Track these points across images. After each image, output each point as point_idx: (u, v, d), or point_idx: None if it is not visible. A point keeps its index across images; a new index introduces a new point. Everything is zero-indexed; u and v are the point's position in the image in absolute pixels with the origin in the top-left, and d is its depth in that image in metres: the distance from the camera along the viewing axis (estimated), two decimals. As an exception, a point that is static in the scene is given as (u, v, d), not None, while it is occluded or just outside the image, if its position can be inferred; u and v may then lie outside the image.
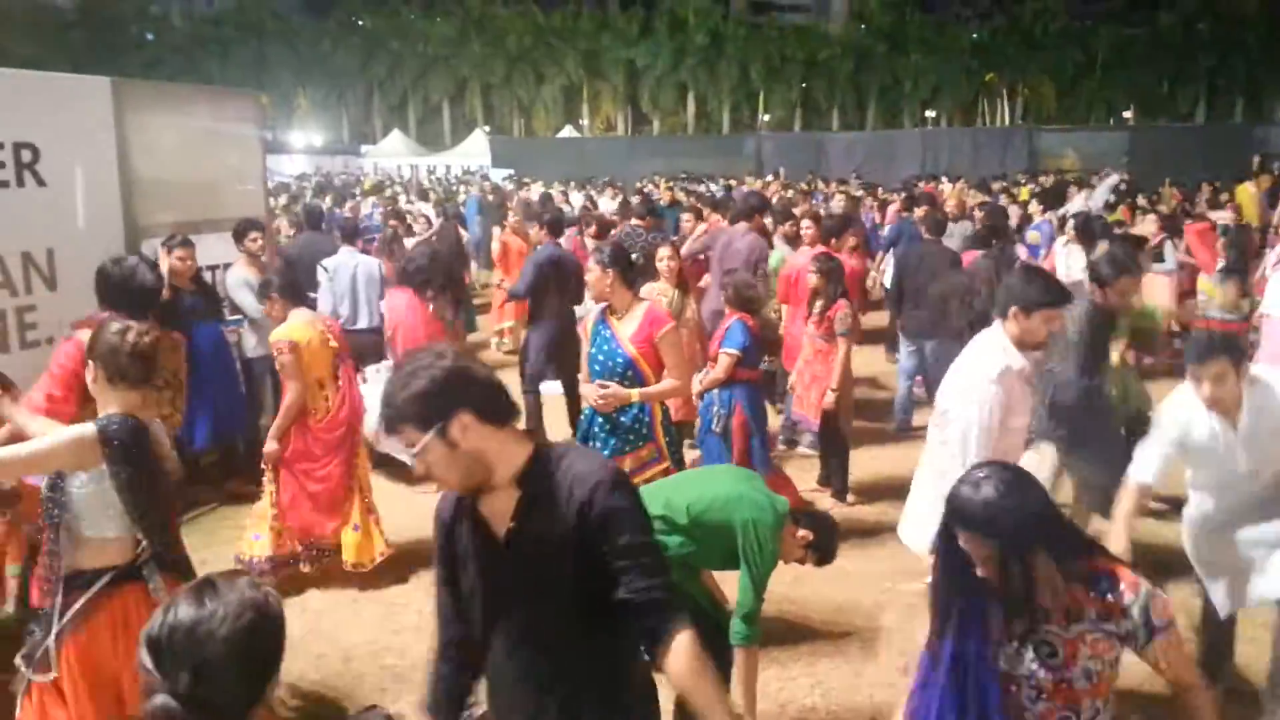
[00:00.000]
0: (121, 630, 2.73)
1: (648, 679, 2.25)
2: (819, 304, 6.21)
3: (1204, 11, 55.08)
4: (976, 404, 3.56)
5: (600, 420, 4.48)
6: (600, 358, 4.46)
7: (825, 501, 6.24)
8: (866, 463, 7.06)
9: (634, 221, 9.46)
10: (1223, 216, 11.79)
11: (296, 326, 5.10)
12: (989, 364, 3.61)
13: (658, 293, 6.13)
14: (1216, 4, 54.26)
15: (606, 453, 4.42)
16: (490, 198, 17.29)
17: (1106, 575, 2.19)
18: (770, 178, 20.12)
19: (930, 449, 3.97)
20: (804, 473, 6.61)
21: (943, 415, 3.78)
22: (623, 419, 4.45)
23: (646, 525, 2.08)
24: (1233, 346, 3.44)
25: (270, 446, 5.14)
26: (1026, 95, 59.43)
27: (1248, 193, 16.12)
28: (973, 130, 43.88)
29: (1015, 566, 2.10)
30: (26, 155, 5.20)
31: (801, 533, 3.53)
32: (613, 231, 9.57)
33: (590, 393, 4.45)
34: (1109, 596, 2.16)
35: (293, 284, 5.37)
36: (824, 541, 3.59)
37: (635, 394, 4.38)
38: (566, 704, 2.09)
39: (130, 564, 2.78)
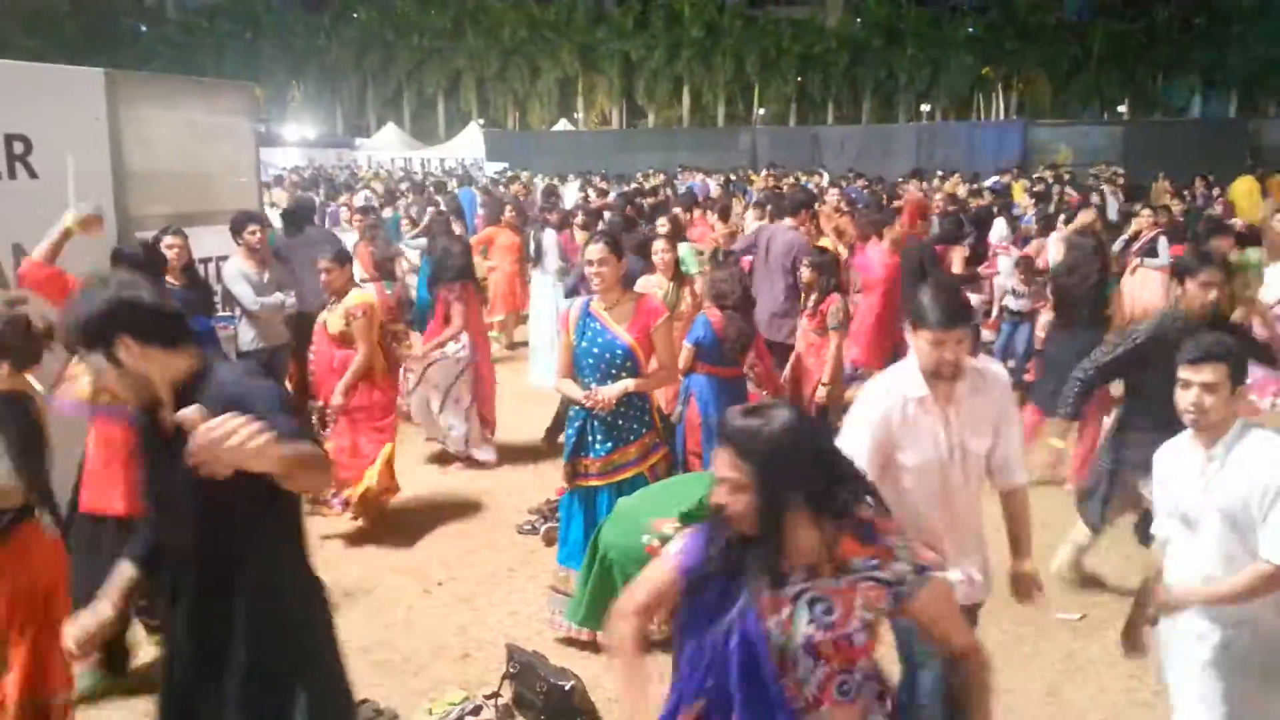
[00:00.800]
0: (24, 555, 3.25)
1: (311, 580, 2.53)
2: (813, 298, 6.24)
3: (1199, 6, 55.13)
4: (853, 432, 3.12)
5: (596, 421, 4.47)
6: (595, 350, 4.44)
7: None
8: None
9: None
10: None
11: (367, 293, 6.00)
12: (879, 388, 3.21)
13: (654, 285, 6.13)
14: (1211, -1, 54.39)
15: (609, 445, 4.45)
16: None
17: (869, 523, 2.14)
18: (765, 171, 20.08)
19: None
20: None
21: None
22: (624, 409, 4.46)
23: (281, 402, 2.30)
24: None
25: (337, 400, 5.76)
26: (1021, 89, 59.45)
27: (1244, 187, 16.04)
28: (968, 124, 43.92)
29: (767, 502, 2.02)
30: (18, 147, 5.17)
31: None
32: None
33: (574, 392, 4.46)
34: (876, 542, 2.12)
35: (350, 255, 6.23)
36: None
37: (632, 384, 4.39)
38: (229, 606, 2.32)
39: (24, 506, 3.26)
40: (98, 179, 5.62)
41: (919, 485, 3.07)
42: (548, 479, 6.40)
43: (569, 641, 4.50)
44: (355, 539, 5.81)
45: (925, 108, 57.85)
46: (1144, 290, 9.66)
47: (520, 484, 6.75)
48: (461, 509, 6.35)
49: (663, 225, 7.61)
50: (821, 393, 6.14)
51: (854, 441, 2.97)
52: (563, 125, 46.75)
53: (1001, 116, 54.90)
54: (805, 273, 6.28)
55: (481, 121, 50.36)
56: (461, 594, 5.15)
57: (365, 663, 4.43)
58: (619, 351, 4.43)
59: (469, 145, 36.87)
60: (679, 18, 58.45)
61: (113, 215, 5.70)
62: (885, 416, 3.04)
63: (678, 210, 10.04)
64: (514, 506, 6.28)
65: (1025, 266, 8.27)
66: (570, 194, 17.73)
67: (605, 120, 60.85)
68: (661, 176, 21.31)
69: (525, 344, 10.00)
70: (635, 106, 61.04)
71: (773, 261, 7.29)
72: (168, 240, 5.69)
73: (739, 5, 68.03)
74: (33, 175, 5.25)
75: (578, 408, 4.51)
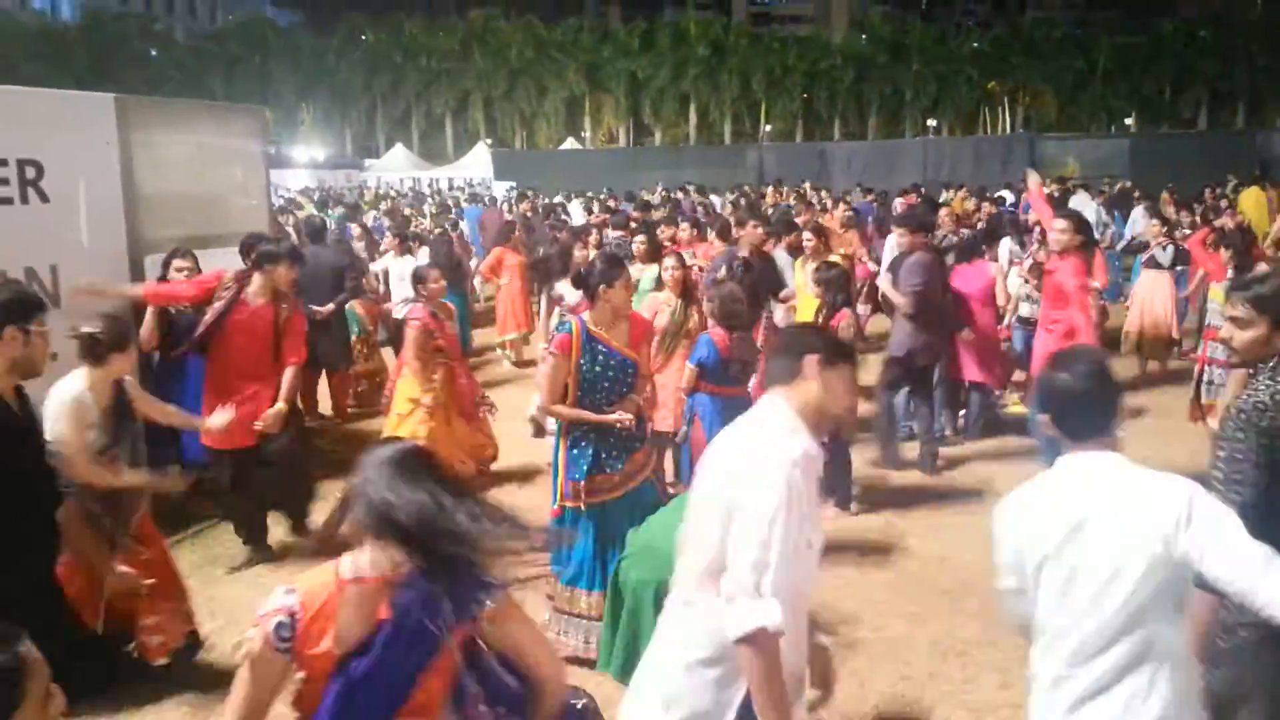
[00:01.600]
0: None
1: None
2: (822, 313, 6.18)
3: (1205, 18, 55.23)
4: (772, 490, 2.30)
5: (612, 438, 4.51)
6: (610, 371, 4.47)
7: (827, 512, 6.22)
8: (866, 470, 7.07)
9: (617, 232, 9.51)
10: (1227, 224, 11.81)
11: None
12: (786, 444, 2.39)
13: (662, 302, 6.11)
14: (1218, 10, 54.39)
15: (624, 458, 4.54)
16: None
17: None
18: (770, 188, 20.11)
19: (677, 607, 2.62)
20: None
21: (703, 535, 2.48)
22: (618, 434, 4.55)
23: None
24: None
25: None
26: (1028, 103, 59.54)
27: (1253, 198, 16.04)
28: (974, 139, 43.91)
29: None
30: (30, 172, 5.22)
31: None
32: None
33: (587, 415, 4.46)
34: None
35: None
36: None
37: (639, 400, 4.53)
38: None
39: None
40: (109, 203, 5.68)
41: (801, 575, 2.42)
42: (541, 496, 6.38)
43: (578, 661, 4.48)
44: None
45: (932, 123, 57.94)
46: (1154, 296, 9.68)
47: (531, 503, 6.72)
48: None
49: (639, 243, 7.55)
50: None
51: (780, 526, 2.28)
52: (570, 144, 46.94)
53: (1008, 131, 54.89)
54: (812, 289, 6.24)
55: (489, 141, 50.62)
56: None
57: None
58: (629, 370, 4.51)
59: (477, 165, 37.03)
60: (685, 36, 58.75)
61: (124, 238, 5.76)
62: (803, 484, 2.36)
63: (677, 229, 10.06)
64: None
65: (1037, 273, 8.23)
66: (575, 212, 17.81)
67: (612, 139, 61.10)
68: (661, 193, 21.41)
69: (533, 362, 10.00)
70: (642, 125, 61.33)
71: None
72: (177, 263, 5.73)
73: (744, 23, 68.44)
74: (44, 199, 5.29)
75: (582, 428, 4.51)
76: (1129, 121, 55.31)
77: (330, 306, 7.83)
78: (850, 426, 6.45)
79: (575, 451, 4.53)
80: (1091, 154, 31.39)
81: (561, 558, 4.63)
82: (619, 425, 4.40)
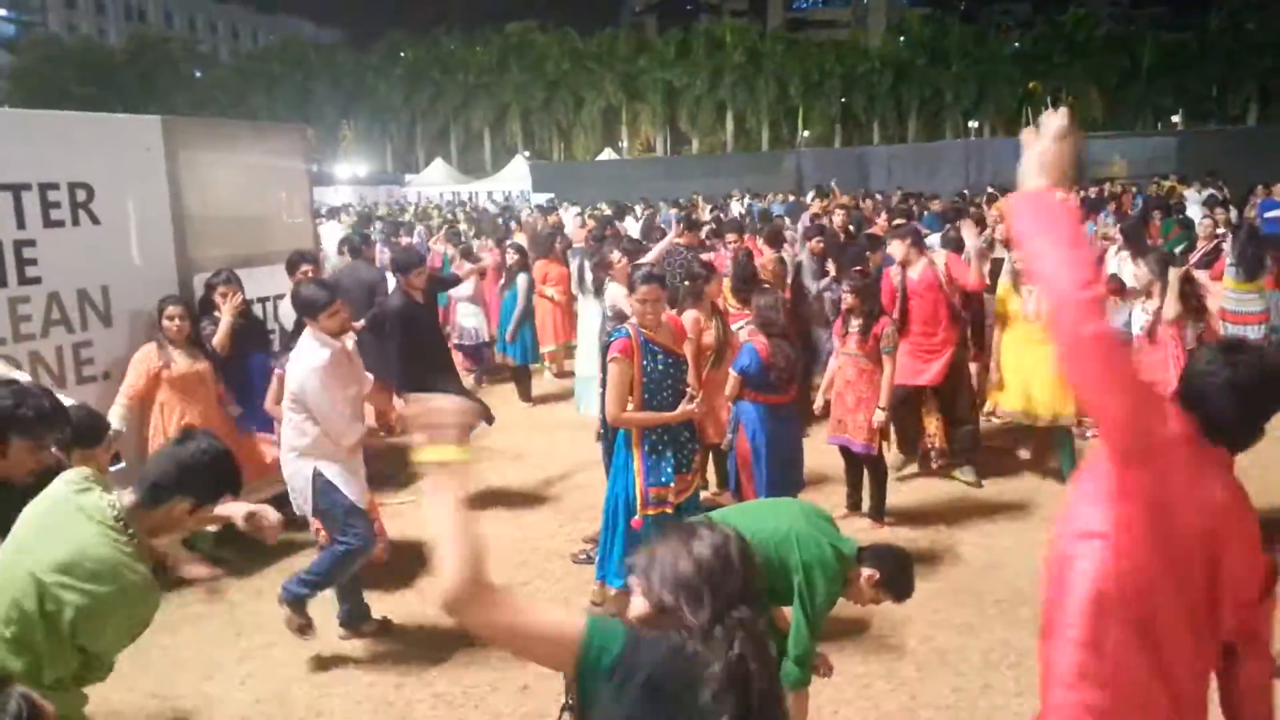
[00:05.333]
0: None
1: None
2: (857, 323, 6.08)
3: (1252, 11, 54.08)
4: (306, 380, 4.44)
5: (680, 440, 4.64)
6: (671, 372, 4.62)
7: (859, 524, 6.13)
8: (915, 480, 6.99)
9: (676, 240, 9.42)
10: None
11: None
12: (311, 355, 4.49)
13: (695, 319, 5.91)
14: (1265, 3, 53.24)
15: (692, 461, 4.75)
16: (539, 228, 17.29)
17: None
18: (811, 196, 19.95)
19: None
20: (830, 497, 6.53)
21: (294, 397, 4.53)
22: (689, 426, 4.73)
23: None
24: None
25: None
26: (1071, 103, 58.70)
27: None
28: (1016, 140, 43.35)
29: None
30: (81, 195, 5.33)
31: (868, 572, 3.39)
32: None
33: (662, 416, 4.57)
34: None
35: None
36: (895, 578, 3.41)
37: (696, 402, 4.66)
38: None
39: None
40: (158, 223, 5.78)
41: None
42: (600, 508, 6.37)
43: None
44: (407, 576, 5.82)
45: (973, 124, 57.33)
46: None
47: (573, 513, 6.74)
48: (515, 540, 6.36)
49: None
50: (880, 418, 6.01)
51: None
52: (607, 154, 47.10)
53: (1051, 130, 54.09)
54: (847, 298, 6.14)
55: (527, 154, 50.97)
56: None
57: (426, 695, 4.44)
58: (683, 368, 4.75)
59: (516, 177, 37.32)
60: (721, 44, 58.77)
61: (173, 258, 5.86)
62: None
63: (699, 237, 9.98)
64: (566, 535, 6.27)
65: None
66: (567, 221, 17.84)
67: (649, 148, 61.23)
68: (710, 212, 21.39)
69: (573, 374, 10.03)
70: (679, 133, 61.38)
71: None
72: (222, 289, 5.79)
73: (780, 29, 68.36)
74: (95, 221, 5.40)
75: (657, 432, 4.57)
76: (1175, 119, 54.30)
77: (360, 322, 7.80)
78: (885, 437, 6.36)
79: (655, 457, 4.58)
80: (1138, 152, 30.92)
81: (615, 567, 4.63)
82: (696, 411, 4.59)
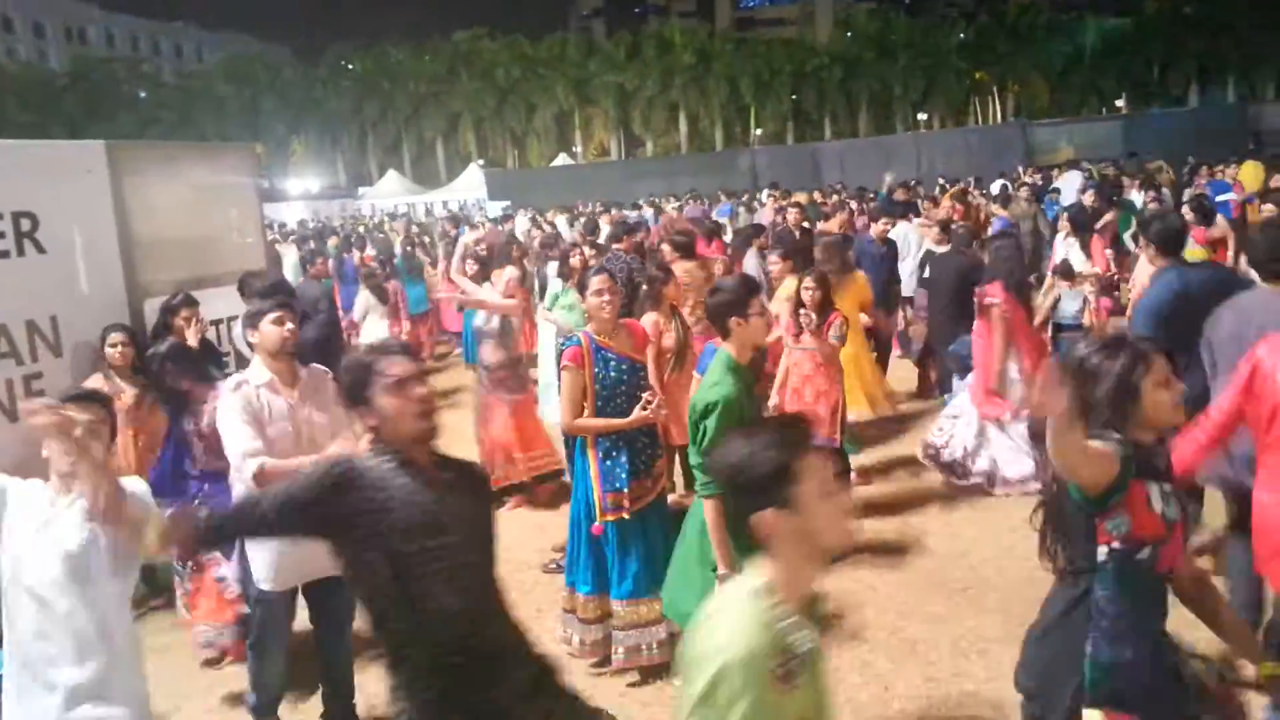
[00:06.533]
0: None
1: None
2: (813, 318, 6.12)
3: (1189, -5, 55.29)
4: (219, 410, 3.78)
5: (639, 444, 4.54)
6: (625, 378, 4.51)
7: None
8: (880, 473, 7.05)
9: (614, 245, 9.42)
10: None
11: None
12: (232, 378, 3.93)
13: (653, 322, 5.87)
14: (1202, -14, 54.46)
15: (653, 465, 4.61)
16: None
17: None
18: (767, 194, 20.06)
19: None
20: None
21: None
22: (650, 429, 4.59)
23: None
24: None
25: None
26: (1018, 91, 59.60)
27: (1251, 170, 16.28)
28: (966, 130, 43.94)
29: None
30: (25, 224, 5.21)
31: None
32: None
33: (616, 421, 4.46)
34: None
35: None
36: None
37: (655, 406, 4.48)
38: None
39: None
40: (105, 250, 5.67)
41: None
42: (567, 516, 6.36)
43: (644, 669, 4.49)
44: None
45: (922, 116, 58.00)
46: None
47: (540, 523, 6.72)
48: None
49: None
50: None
51: None
52: (562, 160, 47.05)
53: (999, 120, 54.93)
54: (810, 295, 6.17)
55: (481, 162, 50.77)
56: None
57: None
58: (640, 375, 4.60)
59: (470, 186, 37.16)
60: (670, 46, 58.97)
61: (122, 284, 5.75)
62: None
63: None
64: (535, 546, 6.25)
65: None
66: (520, 226, 17.82)
67: (604, 152, 61.28)
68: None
69: (535, 381, 9.99)
70: (633, 136, 61.48)
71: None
72: (185, 313, 5.69)
73: (729, 29, 68.75)
74: (41, 251, 5.28)
75: (612, 439, 4.51)
76: (1119, 103, 55.28)
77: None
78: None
79: (609, 463, 4.50)
80: (1085, 137, 31.46)
81: (583, 574, 4.61)
82: (652, 417, 4.39)
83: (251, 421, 3.73)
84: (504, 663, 2.62)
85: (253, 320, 3.94)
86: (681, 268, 8.07)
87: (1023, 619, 4.58)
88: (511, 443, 6.93)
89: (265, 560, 3.86)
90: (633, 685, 4.45)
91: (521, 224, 18.42)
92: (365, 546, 2.48)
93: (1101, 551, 2.39)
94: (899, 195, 15.10)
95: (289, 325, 3.93)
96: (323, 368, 4.15)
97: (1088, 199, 11.22)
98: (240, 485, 3.74)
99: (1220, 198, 12.71)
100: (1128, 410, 2.40)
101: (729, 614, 1.87)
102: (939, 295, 7.89)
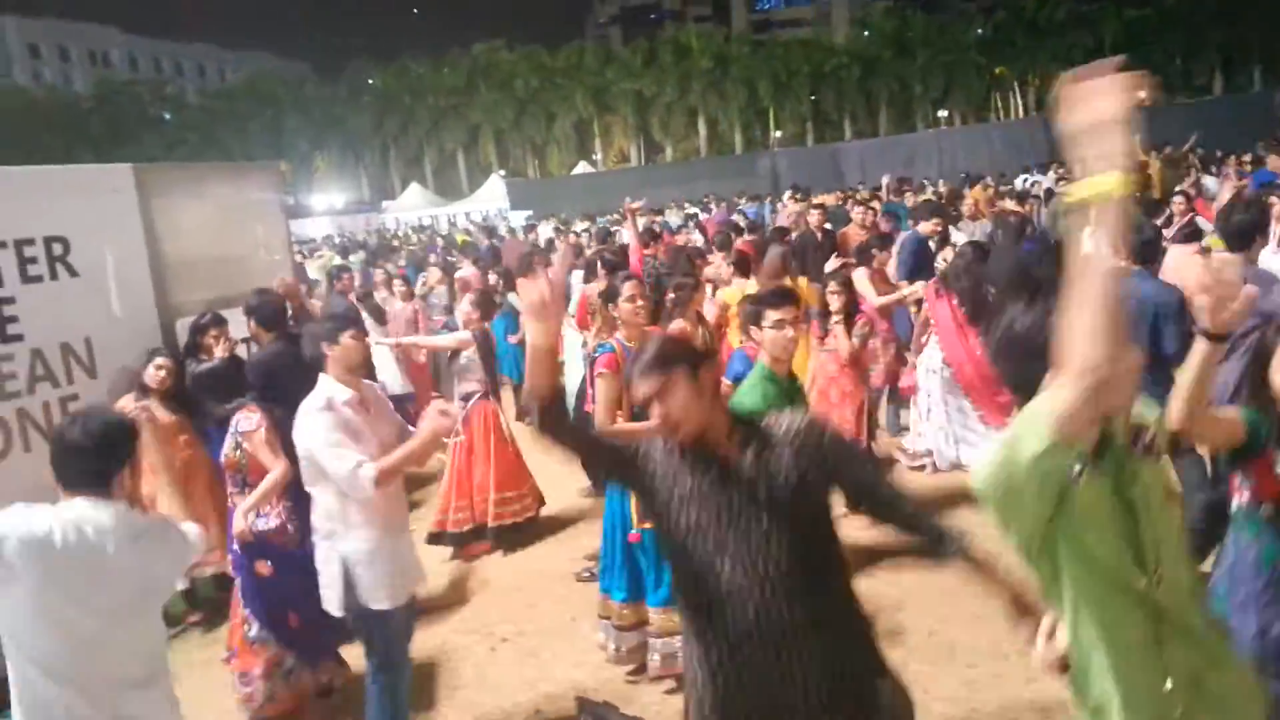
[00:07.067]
0: None
1: None
2: (839, 319, 6.17)
3: (1211, -17, 54.63)
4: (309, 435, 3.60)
5: None
6: None
7: (860, 521, 6.11)
8: (914, 475, 7.00)
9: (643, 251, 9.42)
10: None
11: None
12: (313, 399, 3.69)
13: (683, 331, 5.96)
14: (1222, -26, 53.81)
15: None
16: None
17: None
18: (787, 196, 19.99)
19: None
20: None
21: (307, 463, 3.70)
22: None
23: None
24: None
25: None
26: (1039, 86, 59.13)
27: None
28: (987, 127, 43.63)
29: None
30: (57, 248, 5.30)
31: None
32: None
33: (644, 428, 4.44)
34: None
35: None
36: None
37: None
38: None
39: None
40: (136, 271, 5.75)
41: None
42: (599, 525, 6.36)
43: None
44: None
45: (943, 114, 57.65)
46: (1183, 275, 9.47)
47: (572, 532, 6.73)
48: (516, 563, 6.34)
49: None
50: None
51: None
52: (582, 168, 47.15)
53: (1021, 115, 54.50)
54: (833, 298, 6.20)
55: (502, 172, 50.98)
56: (527, 648, 5.13)
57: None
58: None
59: (492, 197, 37.32)
60: (687, 51, 58.97)
61: (153, 304, 5.83)
62: None
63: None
64: (568, 555, 6.26)
65: None
66: (545, 234, 17.86)
67: (624, 158, 61.35)
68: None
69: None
70: (653, 142, 61.54)
71: None
72: (214, 332, 5.75)
73: (745, 32, 68.64)
74: (73, 274, 5.37)
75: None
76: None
77: None
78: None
79: None
80: (1108, 130, 31.09)
81: (618, 581, 4.60)
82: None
83: (350, 437, 3.63)
84: (801, 667, 2.38)
85: (332, 336, 3.83)
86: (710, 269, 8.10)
87: (1063, 620, 4.59)
88: (486, 482, 6.50)
89: (377, 578, 3.74)
90: (669, 693, 4.43)
91: (545, 233, 18.48)
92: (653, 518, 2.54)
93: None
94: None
95: (365, 341, 3.98)
96: (370, 382, 4.14)
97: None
98: (362, 494, 3.57)
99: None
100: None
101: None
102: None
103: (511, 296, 9.56)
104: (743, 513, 2.36)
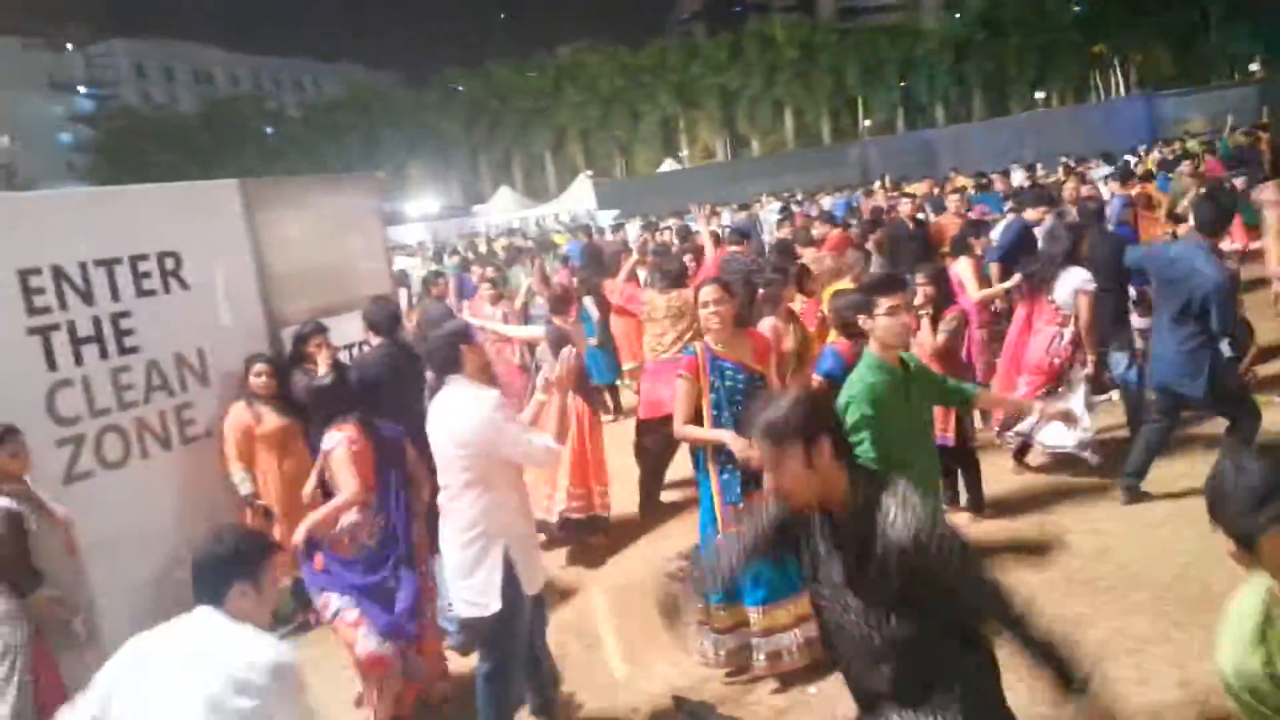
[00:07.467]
0: None
1: None
2: (928, 312, 6.07)
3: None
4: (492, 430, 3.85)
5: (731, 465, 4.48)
6: (740, 389, 4.45)
7: (958, 517, 5.99)
8: (1012, 473, 6.83)
9: (732, 248, 9.40)
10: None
11: None
12: (480, 402, 3.90)
13: (775, 328, 5.82)
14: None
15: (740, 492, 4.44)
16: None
17: None
18: (876, 185, 19.72)
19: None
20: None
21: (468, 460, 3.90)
22: None
23: None
24: None
25: None
26: (1140, 62, 56.82)
27: None
28: (1084, 108, 42.17)
29: None
30: (170, 263, 5.54)
31: None
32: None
33: (723, 436, 4.40)
34: None
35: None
36: None
37: None
38: None
39: None
40: (244, 283, 5.98)
41: None
42: (690, 523, 6.37)
43: (783, 676, 4.47)
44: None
45: (1039, 95, 55.85)
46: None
47: (665, 530, 6.74)
48: (611, 561, 6.39)
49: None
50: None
51: None
52: (668, 165, 47.14)
53: (1122, 93, 52.49)
54: (921, 290, 6.11)
55: (589, 172, 51.29)
56: (624, 648, 5.17)
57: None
58: (758, 385, 4.48)
59: (580, 197, 37.58)
60: (773, 42, 58.43)
61: (261, 314, 6.05)
62: None
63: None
64: (662, 553, 6.28)
65: None
66: (632, 234, 17.83)
67: (710, 154, 61.15)
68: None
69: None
70: (739, 136, 61.18)
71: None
72: (316, 340, 5.93)
73: (832, 20, 67.62)
74: (185, 287, 5.60)
75: (727, 451, 4.46)
76: (1253, 67, 52.04)
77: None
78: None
79: (726, 476, 4.51)
80: (1216, 105, 29.78)
81: (721, 583, 4.61)
82: (743, 454, 4.26)
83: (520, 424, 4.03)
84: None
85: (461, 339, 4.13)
86: (810, 255, 7.98)
87: (1175, 618, 4.43)
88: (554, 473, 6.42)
89: (532, 565, 4.06)
90: (775, 692, 4.42)
91: (633, 232, 18.55)
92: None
93: None
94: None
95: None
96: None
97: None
98: (556, 461, 4.42)
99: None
100: None
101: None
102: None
103: (587, 300, 9.41)
104: (854, 576, 2.44)
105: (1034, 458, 6.81)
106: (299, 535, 4.41)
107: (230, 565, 2.60)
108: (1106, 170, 15.72)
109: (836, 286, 6.69)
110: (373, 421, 4.56)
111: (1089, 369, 6.30)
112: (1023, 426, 6.43)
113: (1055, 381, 6.32)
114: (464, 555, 3.93)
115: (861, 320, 3.76)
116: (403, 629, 4.42)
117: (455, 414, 3.90)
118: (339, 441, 4.45)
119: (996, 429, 6.77)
